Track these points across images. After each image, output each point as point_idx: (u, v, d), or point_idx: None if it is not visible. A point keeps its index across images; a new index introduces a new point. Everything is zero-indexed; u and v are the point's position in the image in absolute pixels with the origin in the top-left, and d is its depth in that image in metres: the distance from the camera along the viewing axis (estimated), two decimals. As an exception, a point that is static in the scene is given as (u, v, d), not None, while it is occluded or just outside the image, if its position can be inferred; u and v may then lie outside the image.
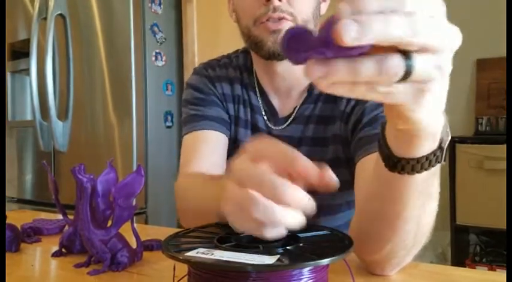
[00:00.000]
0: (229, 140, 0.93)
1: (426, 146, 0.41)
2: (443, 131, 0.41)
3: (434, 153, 0.42)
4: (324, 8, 0.90)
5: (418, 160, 0.42)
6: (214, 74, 0.96)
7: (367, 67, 0.28)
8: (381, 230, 0.52)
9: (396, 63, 0.28)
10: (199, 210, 0.66)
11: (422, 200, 0.47)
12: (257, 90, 0.93)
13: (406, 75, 0.29)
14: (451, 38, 0.30)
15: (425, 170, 0.43)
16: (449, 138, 0.42)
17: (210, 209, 0.53)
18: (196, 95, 0.94)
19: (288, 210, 0.39)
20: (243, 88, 0.94)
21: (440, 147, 0.42)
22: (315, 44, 0.29)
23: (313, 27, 0.82)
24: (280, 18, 0.79)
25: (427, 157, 0.42)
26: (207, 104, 0.92)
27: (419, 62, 0.29)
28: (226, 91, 0.94)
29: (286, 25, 0.80)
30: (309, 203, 0.40)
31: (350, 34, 0.26)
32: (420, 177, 0.44)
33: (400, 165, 0.43)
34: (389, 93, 0.30)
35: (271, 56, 0.83)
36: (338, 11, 0.27)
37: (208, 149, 0.88)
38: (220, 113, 0.92)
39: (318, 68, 0.29)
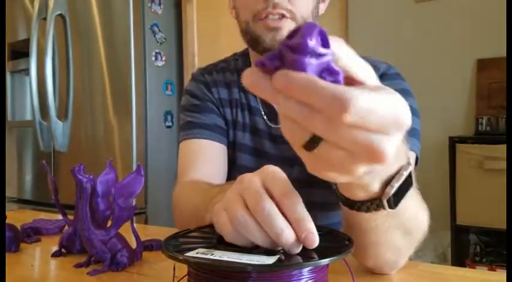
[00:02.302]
0: (228, 143, 0.93)
1: (358, 194, 0.44)
2: (375, 184, 0.42)
3: (370, 201, 0.44)
4: (322, 8, 0.89)
5: (357, 202, 0.45)
6: (211, 78, 0.96)
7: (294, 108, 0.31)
8: (361, 247, 0.52)
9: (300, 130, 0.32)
10: (196, 220, 0.66)
11: (391, 228, 0.49)
12: None
13: (311, 148, 0.32)
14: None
15: (372, 211, 0.45)
16: (395, 189, 0.43)
17: (209, 220, 0.54)
18: (192, 101, 0.95)
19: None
20: (241, 91, 0.94)
21: (378, 198, 0.44)
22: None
23: None
24: (280, 16, 0.79)
25: (363, 202, 0.45)
26: (203, 111, 0.93)
27: (322, 148, 0.32)
28: (223, 96, 0.94)
29: (286, 23, 0.79)
30: (297, 250, 0.41)
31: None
32: (373, 216, 0.46)
33: (346, 202, 0.46)
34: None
35: None
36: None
37: (203, 160, 0.89)
38: (215, 120, 0.92)
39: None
